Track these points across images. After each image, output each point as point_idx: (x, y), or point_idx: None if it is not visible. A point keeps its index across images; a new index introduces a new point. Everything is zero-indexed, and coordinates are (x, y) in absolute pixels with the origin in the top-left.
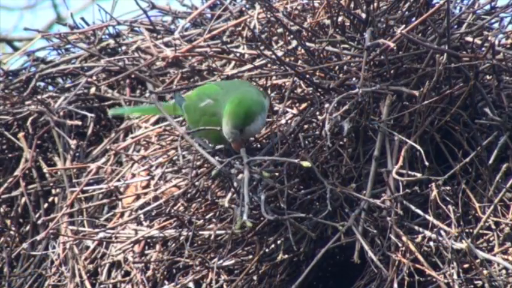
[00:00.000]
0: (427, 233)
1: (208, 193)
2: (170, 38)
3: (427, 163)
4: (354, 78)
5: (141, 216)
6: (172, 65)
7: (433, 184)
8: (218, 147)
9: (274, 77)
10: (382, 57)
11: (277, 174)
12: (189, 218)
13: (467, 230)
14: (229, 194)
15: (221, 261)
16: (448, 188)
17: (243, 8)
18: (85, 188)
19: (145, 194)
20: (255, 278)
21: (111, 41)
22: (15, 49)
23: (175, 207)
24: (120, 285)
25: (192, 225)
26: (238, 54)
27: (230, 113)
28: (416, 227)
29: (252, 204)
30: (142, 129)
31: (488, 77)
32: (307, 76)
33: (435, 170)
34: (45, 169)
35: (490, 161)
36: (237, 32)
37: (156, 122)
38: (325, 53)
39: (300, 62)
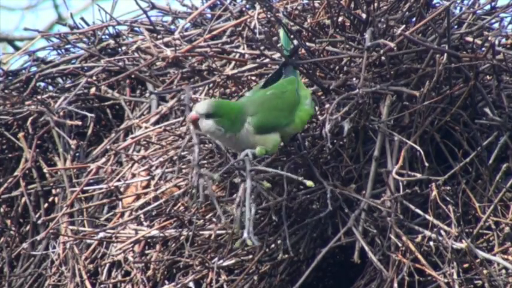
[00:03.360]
0: (427, 233)
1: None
2: (170, 38)
3: (427, 163)
4: (354, 79)
5: (141, 216)
6: (172, 65)
7: (433, 184)
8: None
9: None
10: (383, 57)
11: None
12: (189, 218)
13: (467, 230)
14: (237, 200)
15: (221, 261)
16: (448, 188)
17: (243, 8)
18: (85, 188)
19: (146, 194)
20: (255, 278)
21: (111, 41)
22: (17, 49)
23: (175, 207)
24: (120, 285)
25: (192, 225)
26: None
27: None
28: (416, 227)
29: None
30: (143, 129)
31: (488, 77)
32: (310, 74)
33: (435, 170)
34: (45, 169)
35: (490, 161)
36: (237, 32)
37: (156, 122)
38: (325, 53)
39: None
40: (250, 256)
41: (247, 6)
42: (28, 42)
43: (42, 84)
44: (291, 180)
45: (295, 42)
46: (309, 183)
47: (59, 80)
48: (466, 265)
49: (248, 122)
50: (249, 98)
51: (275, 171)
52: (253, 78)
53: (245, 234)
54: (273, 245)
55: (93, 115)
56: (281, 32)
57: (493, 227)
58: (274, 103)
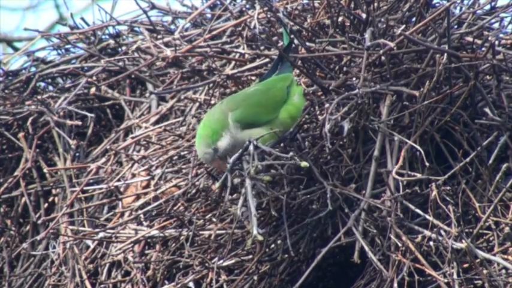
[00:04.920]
0: (427, 233)
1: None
2: (170, 38)
3: (428, 163)
4: (354, 79)
5: (141, 216)
6: (172, 65)
7: (433, 184)
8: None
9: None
10: (383, 57)
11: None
12: (189, 218)
13: (467, 230)
14: (241, 201)
15: (221, 261)
16: (448, 188)
17: (243, 8)
18: (85, 188)
19: (145, 194)
20: (255, 278)
21: (111, 41)
22: (15, 49)
23: (175, 207)
24: (120, 285)
25: (192, 225)
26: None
27: (197, 137)
28: (416, 227)
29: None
30: (142, 129)
31: (488, 77)
32: (310, 74)
33: (435, 170)
34: (45, 169)
35: (490, 161)
36: (237, 32)
37: (156, 122)
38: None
39: (299, 62)
40: (250, 256)
41: (247, 6)
42: (28, 42)
43: (42, 84)
44: (291, 180)
45: (293, 38)
46: (304, 163)
47: (59, 80)
48: (466, 265)
49: (230, 117)
50: (233, 95)
51: (271, 162)
52: (253, 78)
53: (254, 231)
54: (273, 245)
55: (93, 115)
56: (283, 31)
57: (493, 227)
58: (256, 99)
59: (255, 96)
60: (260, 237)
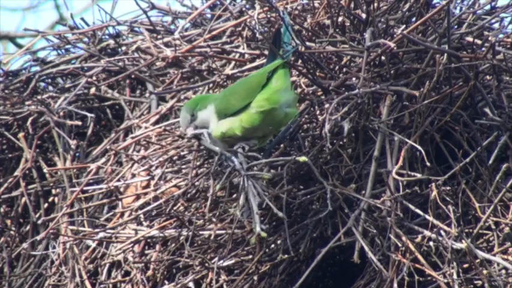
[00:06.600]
0: (427, 233)
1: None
2: (170, 38)
3: (428, 163)
4: (354, 79)
5: (141, 216)
6: (172, 65)
7: (433, 184)
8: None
9: None
10: (383, 57)
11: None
12: (189, 218)
13: (467, 230)
14: (241, 201)
15: (221, 261)
16: (448, 188)
17: (243, 8)
18: (85, 188)
19: (145, 194)
20: (255, 278)
21: (111, 41)
22: (18, 46)
23: (175, 207)
24: (120, 285)
25: (192, 225)
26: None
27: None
28: (416, 227)
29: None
30: (142, 129)
31: (488, 77)
32: (310, 74)
33: (435, 170)
34: (45, 169)
35: (490, 161)
36: (237, 32)
37: (156, 122)
38: (325, 53)
39: (299, 61)
40: (250, 256)
41: (247, 6)
42: (29, 42)
43: (42, 84)
44: (291, 180)
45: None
46: (302, 159)
47: (59, 80)
48: (466, 265)
49: (211, 108)
50: None
51: (269, 160)
52: None
53: (257, 228)
54: (273, 245)
55: (93, 115)
56: (282, 28)
57: (493, 227)
58: (232, 89)
59: (231, 87)
60: (264, 234)
